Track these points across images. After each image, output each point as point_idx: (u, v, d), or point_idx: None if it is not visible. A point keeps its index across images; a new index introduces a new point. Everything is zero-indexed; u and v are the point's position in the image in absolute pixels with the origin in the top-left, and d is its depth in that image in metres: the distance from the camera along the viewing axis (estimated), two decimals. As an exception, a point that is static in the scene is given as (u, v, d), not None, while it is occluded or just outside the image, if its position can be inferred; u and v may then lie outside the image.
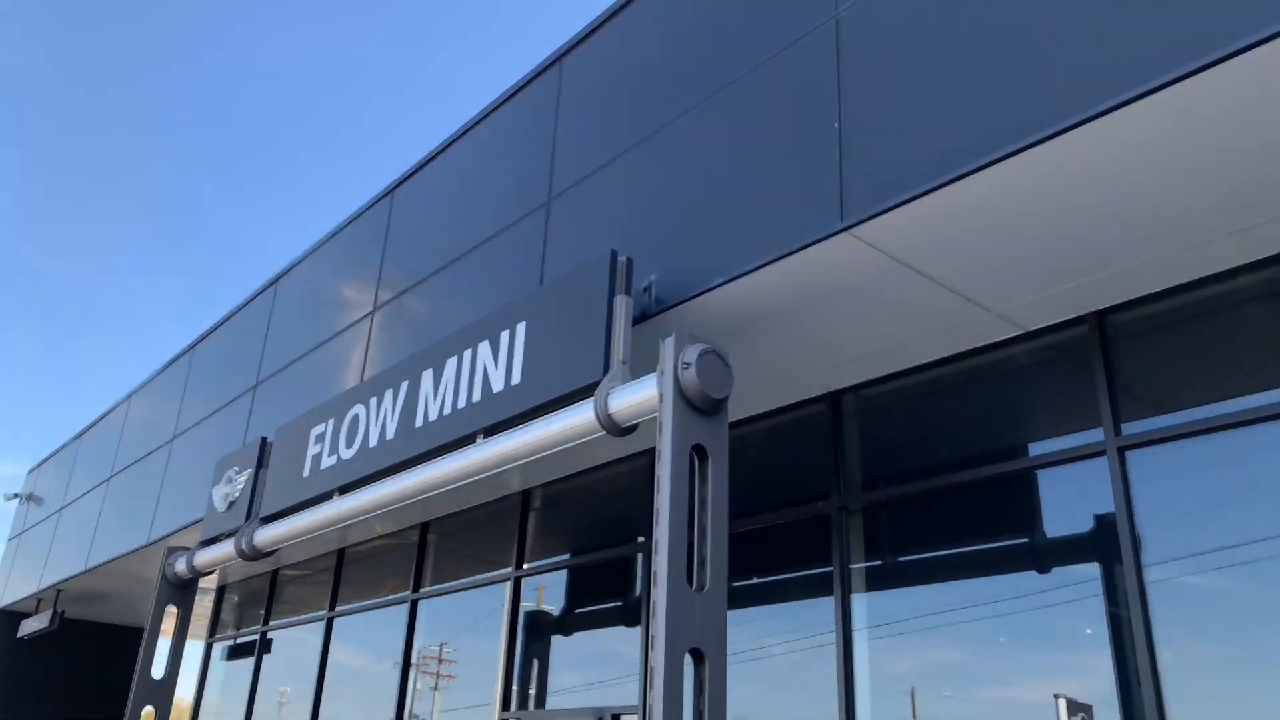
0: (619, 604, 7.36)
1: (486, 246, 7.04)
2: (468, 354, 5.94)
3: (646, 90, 5.97)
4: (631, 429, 4.78)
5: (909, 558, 5.68)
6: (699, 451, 4.28)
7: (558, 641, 7.97)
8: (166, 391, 12.81)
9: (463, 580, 9.01)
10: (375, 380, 6.88)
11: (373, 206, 9.06)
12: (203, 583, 14.35)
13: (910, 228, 4.44)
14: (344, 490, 6.82)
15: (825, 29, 4.83)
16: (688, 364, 4.27)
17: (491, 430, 5.59)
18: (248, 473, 8.09)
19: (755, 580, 6.39)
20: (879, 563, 5.78)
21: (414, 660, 10.70)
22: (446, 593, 9.31)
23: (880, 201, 4.36)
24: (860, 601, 5.75)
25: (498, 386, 5.57)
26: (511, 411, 5.39)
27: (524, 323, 5.55)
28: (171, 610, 8.84)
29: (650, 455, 7.46)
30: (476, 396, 5.73)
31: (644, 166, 5.74)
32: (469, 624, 8.97)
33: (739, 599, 6.25)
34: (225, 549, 7.94)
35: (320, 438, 7.21)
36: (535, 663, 7.92)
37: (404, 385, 6.46)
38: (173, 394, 12.53)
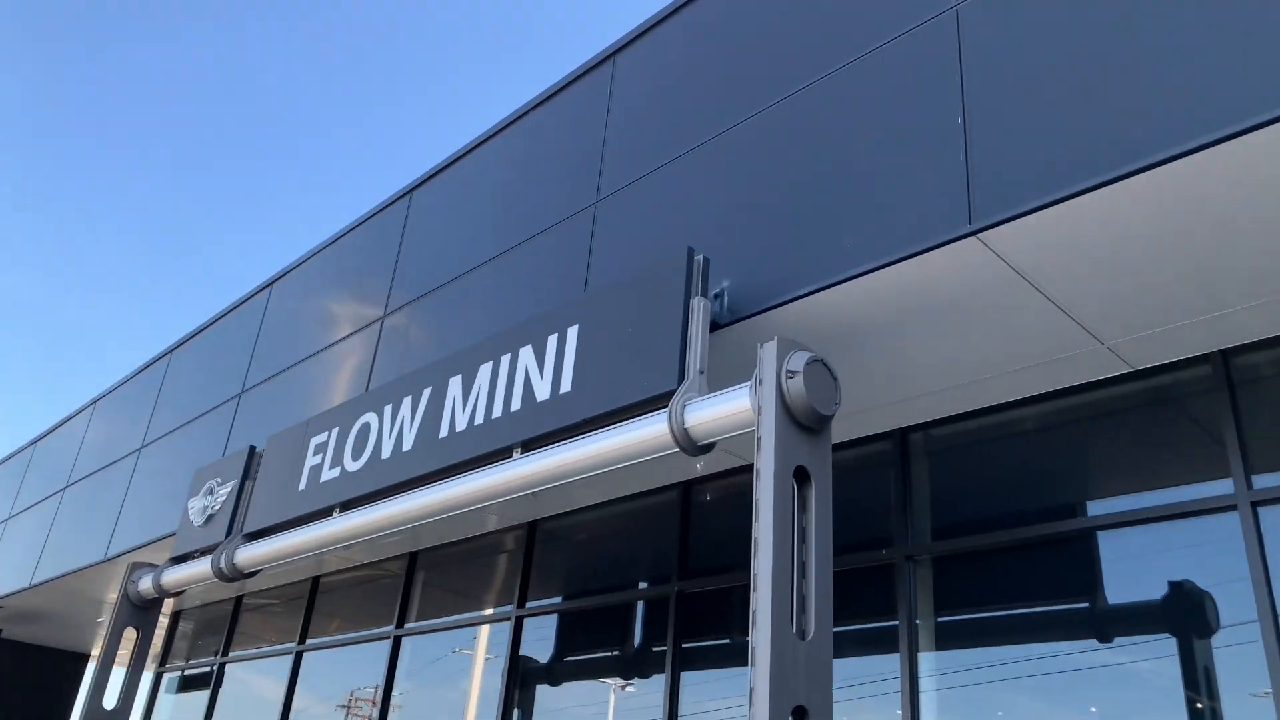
0: (634, 655, 6.67)
1: (520, 250, 6.47)
2: (505, 359, 5.32)
3: (716, 85, 5.47)
4: (708, 448, 4.19)
5: (987, 614, 5.10)
6: (800, 475, 3.70)
7: (555, 692, 7.26)
8: (137, 398, 11.98)
9: (457, 616, 8.27)
10: (391, 386, 6.23)
11: (385, 209, 8.46)
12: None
13: (1039, 237, 3.94)
14: (346, 506, 6.12)
15: (945, 18, 4.36)
16: (793, 372, 3.70)
17: (531, 444, 4.96)
18: (231, 484, 7.35)
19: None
20: (953, 618, 5.20)
21: (349, 703, 9.86)
22: (435, 630, 8.55)
23: (1014, 204, 3.87)
24: (929, 659, 5.16)
25: (542, 395, 4.96)
26: (559, 423, 4.77)
27: (576, 326, 4.96)
28: (130, 634, 8.00)
29: (675, 489, 6.86)
30: (515, 405, 5.11)
31: (713, 166, 5.22)
32: (452, 665, 8.21)
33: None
34: (200, 568, 7.16)
35: (322, 448, 6.52)
36: (527, 714, 7.19)
37: (426, 392, 5.82)
38: (143, 401, 11.71)
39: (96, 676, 7.72)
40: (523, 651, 7.47)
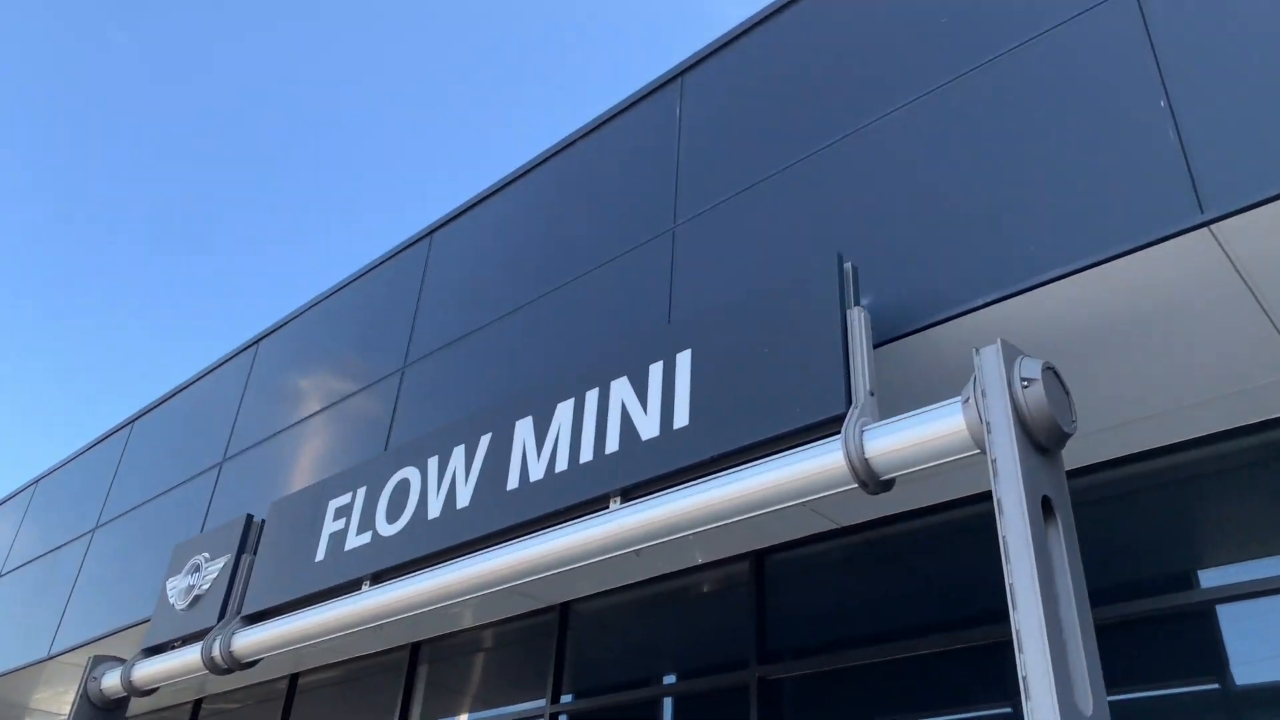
0: (713, 750, 5.73)
1: (573, 287, 5.73)
2: (592, 396, 4.53)
3: (828, 86, 4.89)
4: (889, 484, 3.42)
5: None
6: (1045, 507, 2.95)
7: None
8: (90, 474, 10.77)
9: (475, 715, 7.20)
10: (435, 435, 5.35)
11: (402, 252, 7.67)
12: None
13: (1268, 231, 3.35)
14: (380, 578, 5.17)
15: (1129, -5, 3.84)
16: (1029, 380, 2.99)
17: (635, 491, 4.14)
18: (224, 560, 6.31)
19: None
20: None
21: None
22: (443, 731, 7.46)
23: (1246, 194, 3.28)
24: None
25: (649, 432, 4.16)
26: (676, 463, 3.97)
27: (688, 352, 4.21)
28: (88, 741, 6.77)
29: (745, 560, 6.02)
30: (612, 447, 4.29)
31: (831, 173, 4.59)
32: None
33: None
34: (185, 658, 6.06)
35: (345, 511, 5.58)
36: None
37: (485, 440, 4.97)
38: (98, 477, 10.51)
39: (46, 794, 6.46)
40: (560, 754, 6.44)
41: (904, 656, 5.28)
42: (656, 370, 4.29)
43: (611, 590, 6.76)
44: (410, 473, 5.29)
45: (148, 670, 6.38)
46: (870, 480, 3.35)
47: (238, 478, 8.01)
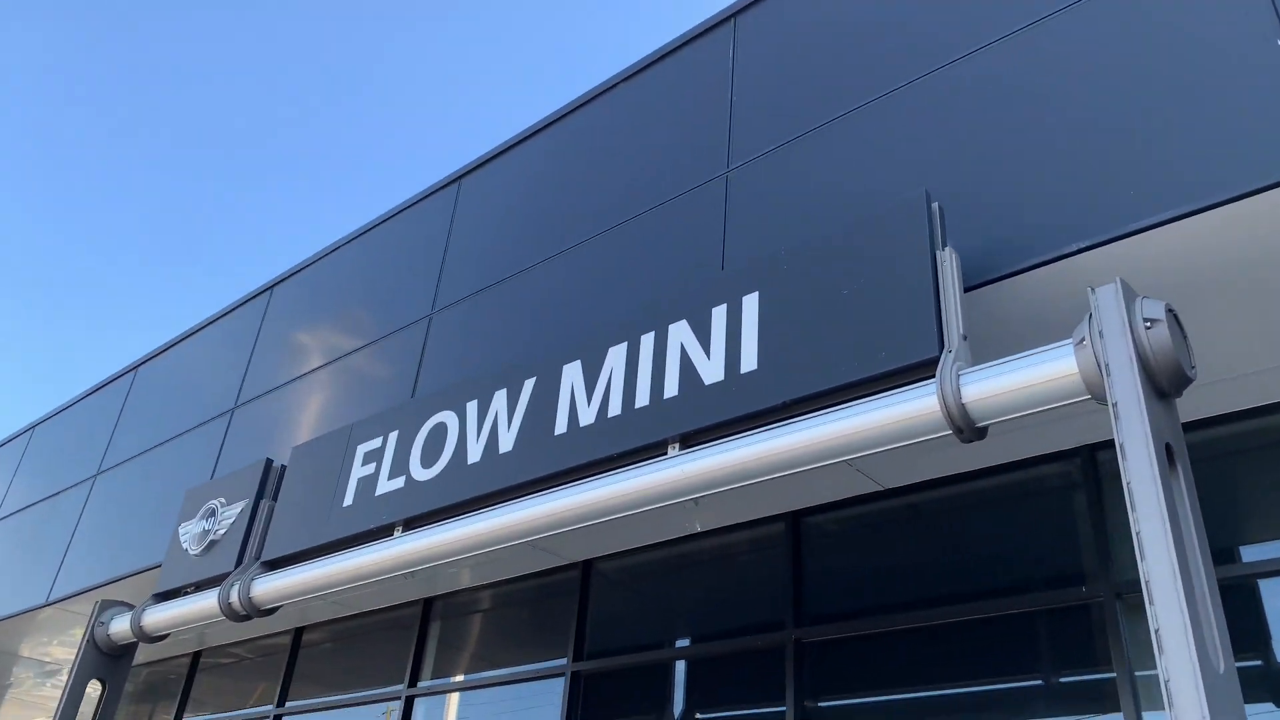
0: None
1: (618, 232, 5.51)
2: (648, 340, 4.33)
3: (897, 25, 4.67)
4: (983, 431, 3.24)
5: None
6: (1167, 455, 2.77)
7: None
8: (91, 420, 10.52)
9: (492, 673, 7.04)
10: (474, 381, 5.14)
11: (428, 197, 7.43)
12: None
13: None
14: (413, 524, 4.97)
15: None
16: (1152, 321, 2.80)
17: (696, 437, 3.95)
18: (242, 505, 6.10)
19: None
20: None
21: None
22: (459, 689, 7.31)
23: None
24: None
25: (712, 377, 3.97)
26: (746, 408, 3.78)
27: (755, 294, 4.01)
28: (94, 689, 6.59)
29: (781, 521, 5.86)
30: (671, 391, 4.10)
31: (913, 111, 4.38)
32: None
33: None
34: (200, 604, 5.86)
35: (375, 455, 5.37)
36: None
37: (528, 384, 4.76)
38: (99, 424, 10.26)
39: (51, 741, 6.28)
40: (583, 716, 6.29)
41: (945, 623, 5.14)
42: (719, 314, 4.09)
43: (636, 549, 6.59)
44: (447, 417, 5.09)
45: (160, 615, 6.19)
46: (966, 426, 3.17)
47: (251, 424, 7.79)
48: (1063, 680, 4.64)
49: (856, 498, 5.65)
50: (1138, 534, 2.55)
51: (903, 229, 3.61)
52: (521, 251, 6.07)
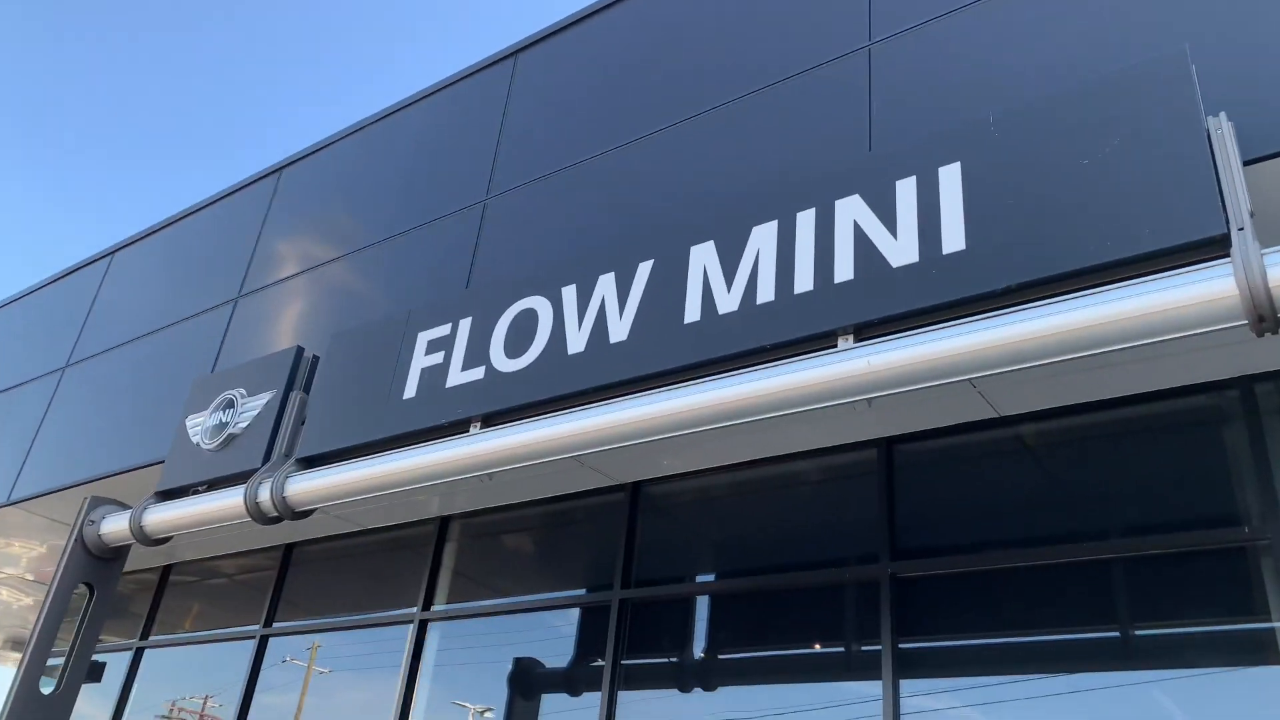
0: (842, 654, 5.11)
1: (728, 109, 4.87)
2: (806, 217, 3.73)
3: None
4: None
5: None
6: None
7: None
8: (58, 308, 9.57)
9: (518, 598, 6.48)
10: (565, 265, 4.50)
11: (472, 77, 6.66)
12: (35, 576, 10.92)
13: None
14: (493, 420, 4.35)
15: None
16: None
17: (875, 328, 3.39)
18: (268, 395, 5.39)
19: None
20: None
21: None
22: (473, 615, 6.74)
23: None
24: None
25: (902, 258, 3.39)
26: (956, 293, 3.22)
27: (955, 165, 3.43)
28: (81, 595, 5.86)
29: (872, 448, 5.35)
30: (844, 274, 3.52)
31: (1107, -14, 3.81)
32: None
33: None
34: (218, 504, 5.17)
35: (442, 344, 4.70)
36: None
37: (644, 268, 4.14)
38: (67, 311, 9.33)
39: (32, 652, 5.56)
40: (629, 646, 5.77)
41: (1049, 564, 4.71)
42: (907, 187, 3.50)
43: (689, 473, 6.05)
44: (536, 303, 4.44)
45: (165, 515, 5.47)
46: (1270, 314, 2.65)
47: (259, 315, 7.02)
48: (1209, 629, 4.24)
49: (960, 425, 5.17)
50: None
51: (1164, 89, 3.06)
52: (593, 133, 5.39)
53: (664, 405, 3.60)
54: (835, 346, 3.43)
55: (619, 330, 4.06)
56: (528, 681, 6.46)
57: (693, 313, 3.86)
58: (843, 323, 3.43)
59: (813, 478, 5.57)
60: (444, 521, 7.15)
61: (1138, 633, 4.46)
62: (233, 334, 7.02)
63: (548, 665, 6.37)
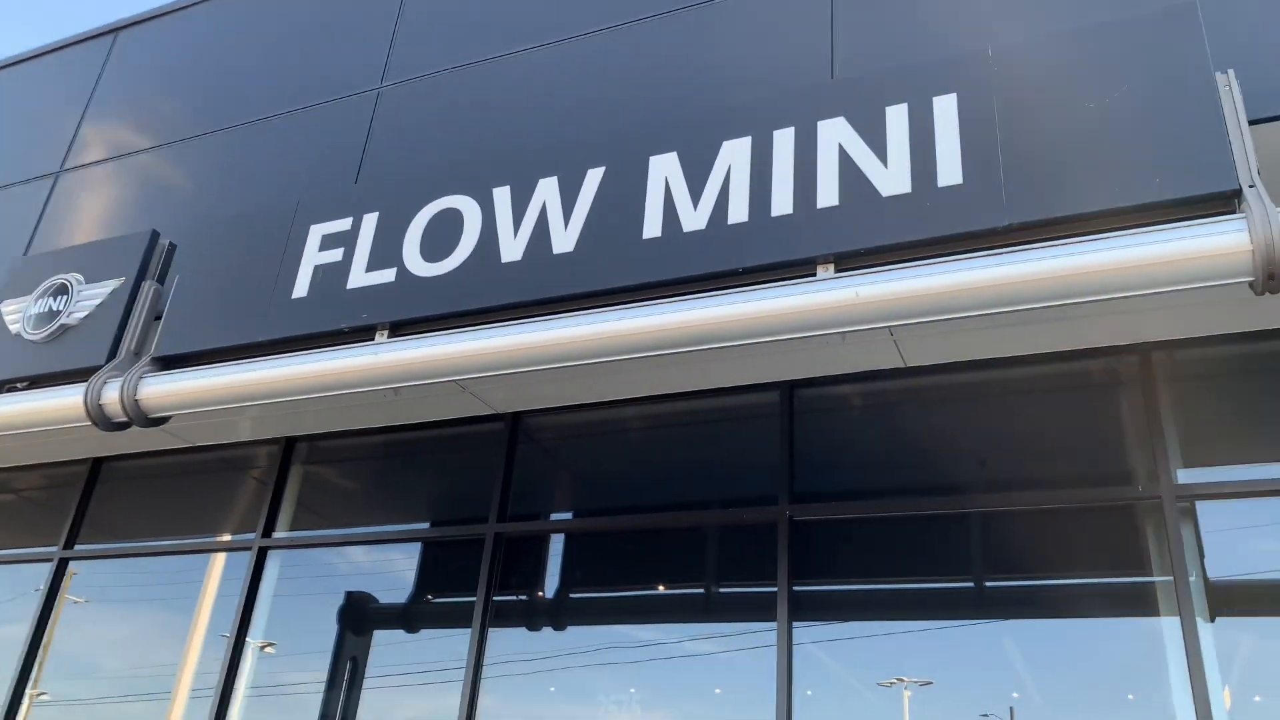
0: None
1: (695, 11, 4.55)
2: (784, 136, 3.50)
3: None
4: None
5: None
6: None
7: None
8: None
9: (385, 527, 6.01)
10: (499, 164, 4.07)
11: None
12: None
13: None
14: (402, 329, 3.90)
15: None
16: None
17: (858, 259, 3.23)
18: (113, 284, 4.64)
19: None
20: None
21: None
22: (318, 545, 6.22)
23: None
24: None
25: (892, 188, 3.24)
26: (950, 228, 3.09)
27: (951, 96, 3.29)
28: None
29: (774, 390, 5.27)
30: (828, 199, 3.32)
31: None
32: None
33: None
34: (48, 403, 4.42)
35: (341, 240, 4.17)
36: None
37: (593, 175, 3.78)
38: None
39: None
40: (502, 582, 5.48)
41: (945, 513, 4.80)
42: (898, 114, 3.34)
43: (574, 406, 5.77)
44: (461, 203, 4.00)
45: (-26, 415, 4.64)
46: (1271, 274, 2.67)
47: (82, 194, 6.07)
48: (1103, 580, 4.44)
49: (864, 373, 5.15)
50: None
51: (1174, 41, 3.03)
52: (528, 23, 4.93)
53: (632, 322, 3.31)
54: (814, 275, 3.25)
55: (564, 240, 3.70)
56: (360, 616, 6.04)
57: (653, 228, 3.56)
58: (825, 250, 3.25)
59: (712, 417, 5.43)
60: (289, 443, 6.53)
61: (1033, 583, 4.62)
62: (51, 214, 6.05)
63: (381, 600, 5.99)
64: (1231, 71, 2.97)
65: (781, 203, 3.38)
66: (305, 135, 5.30)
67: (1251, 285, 2.73)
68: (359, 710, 5.70)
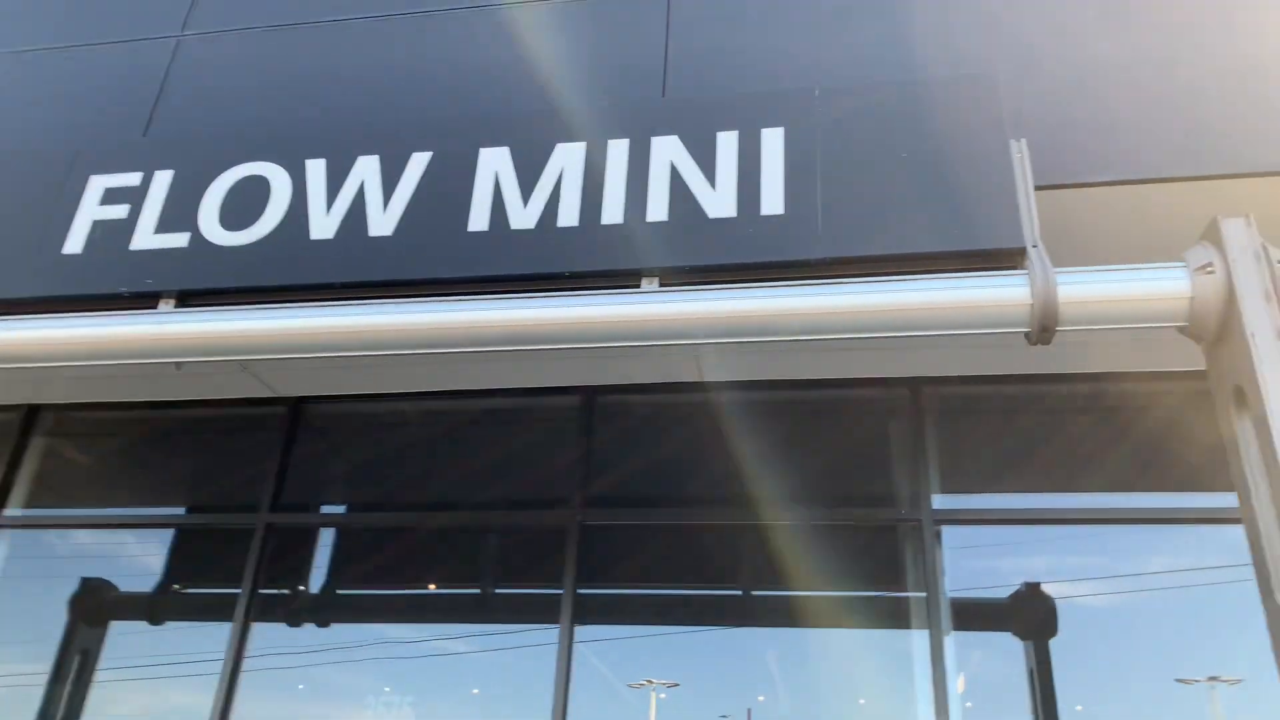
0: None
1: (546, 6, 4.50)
2: (618, 147, 3.54)
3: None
4: (1049, 338, 3.09)
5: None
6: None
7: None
8: None
9: (145, 510, 5.52)
10: (322, 137, 3.85)
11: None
12: None
13: None
14: (191, 299, 3.61)
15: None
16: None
17: (683, 276, 3.31)
18: None
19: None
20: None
21: None
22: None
23: None
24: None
25: (719, 210, 3.35)
26: (773, 255, 3.24)
27: (779, 130, 3.45)
28: None
29: (575, 394, 5.30)
30: (658, 214, 3.39)
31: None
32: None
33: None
34: None
35: (126, 196, 3.80)
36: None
37: (418, 159, 3.66)
38: None
39: None
40: (270, 574, 5.18)
41: (721, 524, 5.03)
42: (728, 141, 3.47)
43: (364, 396, 5.57)
44: (270, 171, 3.75)
45: None
46: (1044, 327, 2.99)
47: None
48: (863, 594, 4.76)
49: (662, 384, 5.30)
50: (1284, 464, 2.55)
51: (976, 105, 3.33)
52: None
53: (455, 316, 3.22)
54: (639, 287, 3.30)
55: (382, 223, 3.56)
56: (96, 605, 5.55)
57: (479, 221, 3.49)
58: (654, 263, 3.31)
59: (508, 418, 5.38)
60: (31, 411, 5.88)
61: (797, 593, 4.89)
62: None
63: (123, 590, 5.53)
64: (1024, 140, 3.30)
65: (613, 212, 3.41)
66: (88, 77, 4.79)
67: (1027, 335, 3.04)
68: (86, 704, 5.21)
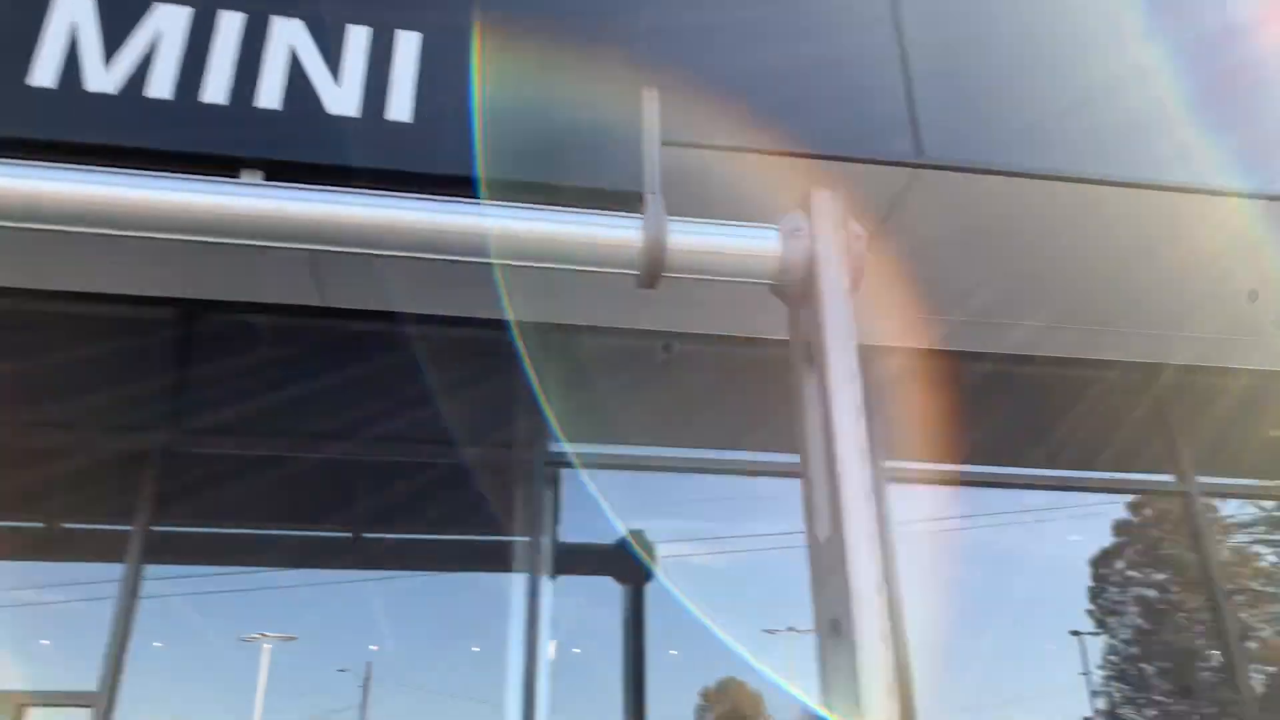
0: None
1: None
2: (232, 18, 3.16)
3: None
4: (655, 283, 3.17)
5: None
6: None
7: None
8: None
9: None
10: None
11: None
12: None
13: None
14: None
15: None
16: (859, 236, 3.13)
17: (288, 171, 3.03)
18: None
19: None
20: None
21: None
22: None
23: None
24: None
25: (341, 108, 3.09)
26: (396, 163, 3.05)
27: (418, 35, 3.25)
28: None
29: (166, 306, 4.71)
30: (270, 102, 3.06)
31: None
32: None
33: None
34: None
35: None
36: None
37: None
38: None
39: None
40: None
41: (327, 458, 4.81)
42: (360, 35, 3.21)
43: None
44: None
45: None
46: (653, 272, 3.07)
47: None
48: (471, 538, 4.71)
49: (278, 305, 4.91)
50: (836, 420, 2.80)
51: (617, 55, 3.34)
52: None
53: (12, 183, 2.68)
54: (238, 177, 2.97)
55: (217, 89, 2.94)
56: None
57: (46, 77, 2.95)
58: (259, 154, 2.99)
59: (95, 327, 4.70)
60: None
61: (408, 536, 4.75)
62: None
63: None
64: (656, 91, 3.36)
65: (216, 91, 3.03)
66: None
67: (637, 279, 3.09)
68: None
